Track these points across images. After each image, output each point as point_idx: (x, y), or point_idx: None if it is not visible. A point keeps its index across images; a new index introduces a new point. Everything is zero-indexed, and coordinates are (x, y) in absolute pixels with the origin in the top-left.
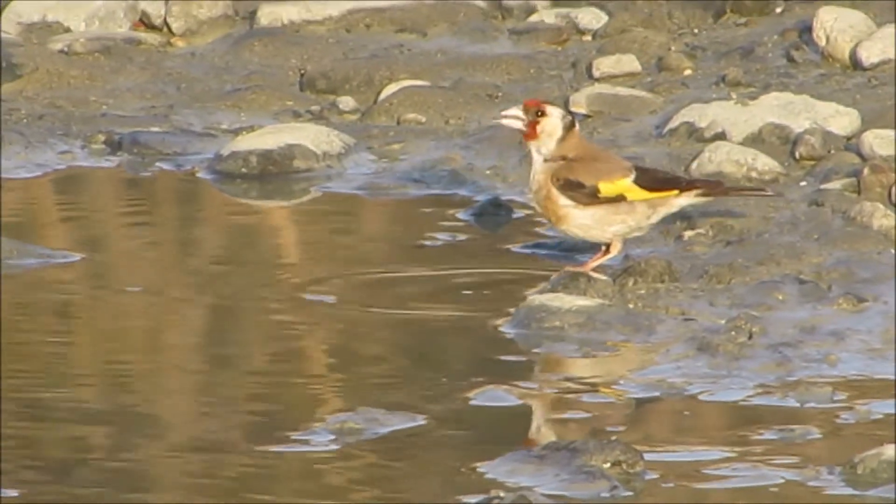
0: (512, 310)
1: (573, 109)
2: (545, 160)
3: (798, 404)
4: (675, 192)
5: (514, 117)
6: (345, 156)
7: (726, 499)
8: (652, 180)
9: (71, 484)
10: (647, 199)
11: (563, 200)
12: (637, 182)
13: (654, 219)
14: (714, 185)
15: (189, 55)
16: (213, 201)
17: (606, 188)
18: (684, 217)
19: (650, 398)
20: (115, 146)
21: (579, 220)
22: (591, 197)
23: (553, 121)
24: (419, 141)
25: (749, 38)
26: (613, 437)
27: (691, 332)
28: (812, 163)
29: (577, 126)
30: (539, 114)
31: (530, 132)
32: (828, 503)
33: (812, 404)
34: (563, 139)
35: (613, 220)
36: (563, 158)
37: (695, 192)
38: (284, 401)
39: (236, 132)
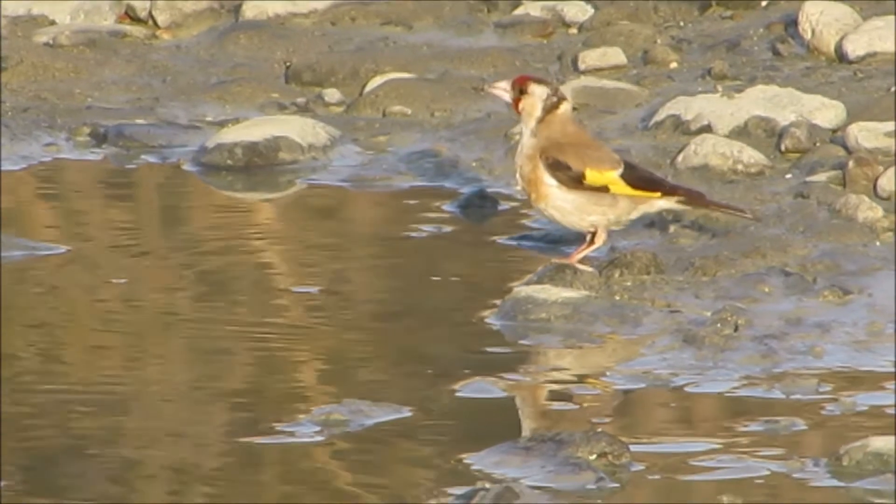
0: (498, 301)
1: None
2: (532, 135)
3: (783, 396)
4: (658, 194)
5: (502, 90)
6: (330, 148)
7: (712, 490)
8: (638, 178)
9: (54, 474)
10: (631, 195)
11: (548, 179)
12: (623, 177)
13: (634, 215)
14: (696, 197)
15: (174, 48)
16: (199, 193)
17: (593, 176)
18: (670, 210)
19: (636, 390)
20: (100, 138)
21: (559, 202)
22: (575, 181)
23: (531, 100)
24: (405, 133)
25: (735, 31)
26: (599, 429)
27: (677, 323)
28: (798, 155)
29: (567, 108)
30: (521, 91)
31: (514, 107)
32: (813, 495)
33: (797, 396)
34: (542, 119)
35: (593, 210)
36: (550, 138)
37: (676, 197)
38: (269, 392)
39: (221, 124)
